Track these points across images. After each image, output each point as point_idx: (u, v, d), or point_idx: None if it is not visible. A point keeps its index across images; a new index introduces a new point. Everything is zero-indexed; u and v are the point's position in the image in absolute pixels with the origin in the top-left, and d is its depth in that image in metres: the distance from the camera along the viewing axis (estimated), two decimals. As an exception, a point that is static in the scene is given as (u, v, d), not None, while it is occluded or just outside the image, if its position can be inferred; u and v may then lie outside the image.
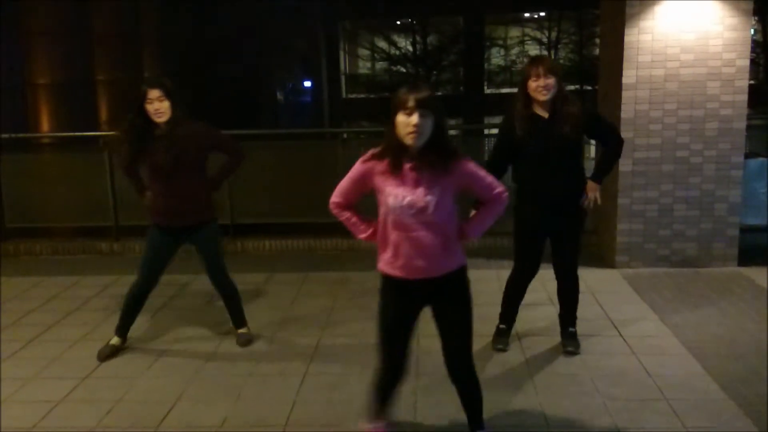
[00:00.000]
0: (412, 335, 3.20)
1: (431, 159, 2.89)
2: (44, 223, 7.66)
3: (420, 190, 2.91)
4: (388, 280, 3.13)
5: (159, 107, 4.16)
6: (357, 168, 3.06)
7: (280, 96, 27.42)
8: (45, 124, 16.84)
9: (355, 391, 4.06)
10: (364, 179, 3.04)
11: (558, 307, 4.68)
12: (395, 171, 2.91)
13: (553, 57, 25.15)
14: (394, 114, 2.86)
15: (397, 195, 2.91)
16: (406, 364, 3.21)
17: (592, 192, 4.33)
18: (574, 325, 4.62)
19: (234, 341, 4.82)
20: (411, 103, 2.80)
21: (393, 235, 2.99)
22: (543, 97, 4.14)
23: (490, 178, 3.09)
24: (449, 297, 3.13)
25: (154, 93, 4.15)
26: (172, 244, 4.52)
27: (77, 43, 16.68)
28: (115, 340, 4.67)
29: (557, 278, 4.55)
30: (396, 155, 2.91)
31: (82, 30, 16.76)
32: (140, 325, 5.14)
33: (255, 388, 4.13)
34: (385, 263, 3.09)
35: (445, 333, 3.18)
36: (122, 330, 4.69)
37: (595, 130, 4.36)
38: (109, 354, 4.59)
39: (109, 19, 17.31)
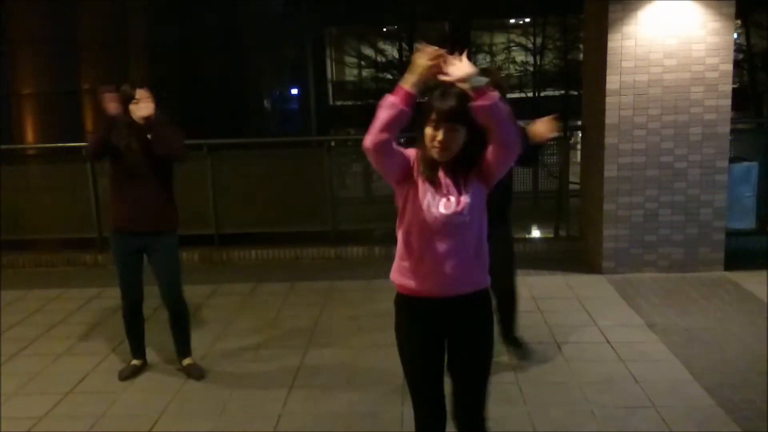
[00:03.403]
0: (444, 368, 2.78)
1: (462, 172, 2.61)
2: (27, 235, 7.58)
3: (455, 192, 2.60)
4: (405, 302, 2.73)
5: (144, 108, 4.08)
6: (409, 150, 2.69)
7: (267, 104, 27.36)
8: (30, 135, 16.71)
9: (341, 404, 4.02)
10: (409, 159, 2.66)
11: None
12: (430, 180, 2.62)
13: (538, 62, 25.22)
14: (422, 124, 2.58)
15: (433, 195, 2.60)
16: (445, 405, 2.77)
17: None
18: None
19: (218, 356, 4.77)
20: (435, 116, 2.53)
21: (420, 241, 2.63)
22: None
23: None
24: (471, 324, 2.72)
25: (141, 93, 4.09)
26: (136, 250, 4.28)
27: (63, 52, 16.58)
28: (134, 361, 4.53)
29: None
30: (429, 167, 2.62)
31: (67, 39, 16.66)
32: (123, 338, 5.08)
33: (240, 402, 4.09)
34: (405, 272, 2.68)
35: (459, 374, 2.76)
36: (137, 352, 4.54)
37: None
38: (129, 374, 4.45)
39: (95, 27, 17.22)
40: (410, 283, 2.68)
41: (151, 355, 4.75)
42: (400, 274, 2.71)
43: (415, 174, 2.65)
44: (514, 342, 4.57)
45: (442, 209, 2.59)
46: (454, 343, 2.74)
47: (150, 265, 4.35)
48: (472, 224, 2.63)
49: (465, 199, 2.60)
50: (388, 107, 2.48)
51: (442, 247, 2.61)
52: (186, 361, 4.51)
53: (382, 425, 3.74)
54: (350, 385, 4.25)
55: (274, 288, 6.27)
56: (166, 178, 4.27)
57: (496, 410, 3.80)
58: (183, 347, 4.53)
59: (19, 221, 7.31)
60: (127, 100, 4.09)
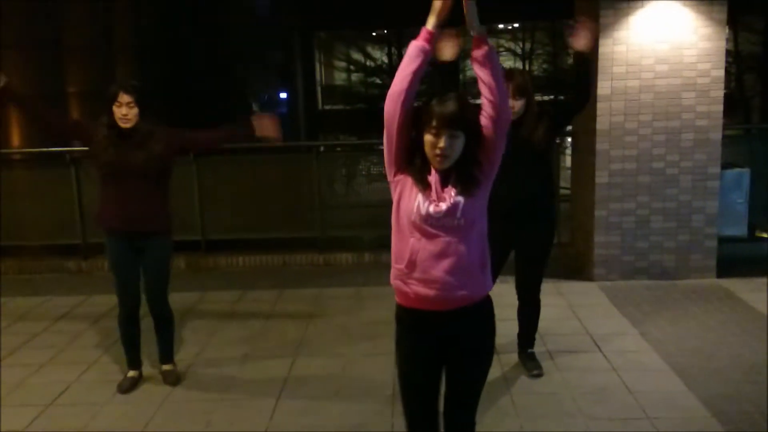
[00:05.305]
0: (440, 389, 2.70)
1: (458, 180, 2.51)
2: (10, 242, 7.44)
3: (447, 192, 2.50)
4: (406, 315, 2.64)
5: (127, 113, 3.95)
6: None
7: (255, 108, 27.23)
8: (15, 139, 16.51)
9: (330, 415, 3.93)
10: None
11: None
12: (421, 186, 2.52)
13: (527, 67, 25.22)
14: (422, 129, 2.50)
15: (423, 198, 2.50)
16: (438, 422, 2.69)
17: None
18: (532, 345, 4.51)
19: (204, 366, 4.67)
20: (435, 123, 2.44)
21: (411, 240, 2.52)
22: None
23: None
24: (473, 337, 2.63)
25: (124, 98, 3.95)
26: (132, 250, 4.16)
27: (48, 56, 16.42)
28: (131, 373, 4.38)
29: (518, 297, 4.43)
30: (421, 172, 2.53)
31: (52, 42, 16.50)
32: (106, 348, 4.98)
33: (226, 415, 3.98)
34: (400, 275, 2.57)
35: (455, 383, 2.69)
36: (134, 362, 4.40)
37: (561, 109, 4.24)
38: (129, 387, 4.30)
39: (79, 31, 17.08)
40: (406, 288, 2.56)
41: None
42: (395, 278, 2.60)
43: (406, 169, 2.56)
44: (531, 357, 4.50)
45: (432, 211, 2.48)
46: (454, 354, 2.65)
47: (141, 267, 4.22)
48: (468, 228, 2.52)
49: (457, 199, 2.49)
50: (413, 49, 2.53)
51: (434, 251, 2.50)
52: (165, 367, 4.44)
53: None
54: (339, 396, 4.16)
55: (261, 295, 6.17)
56: (160, 176, 4.12)
57: (488, 422, 3.73)
58: (165, 353, 4.46)
59: (1, 227, 7.17)
60: (110, 100, 3.97)
